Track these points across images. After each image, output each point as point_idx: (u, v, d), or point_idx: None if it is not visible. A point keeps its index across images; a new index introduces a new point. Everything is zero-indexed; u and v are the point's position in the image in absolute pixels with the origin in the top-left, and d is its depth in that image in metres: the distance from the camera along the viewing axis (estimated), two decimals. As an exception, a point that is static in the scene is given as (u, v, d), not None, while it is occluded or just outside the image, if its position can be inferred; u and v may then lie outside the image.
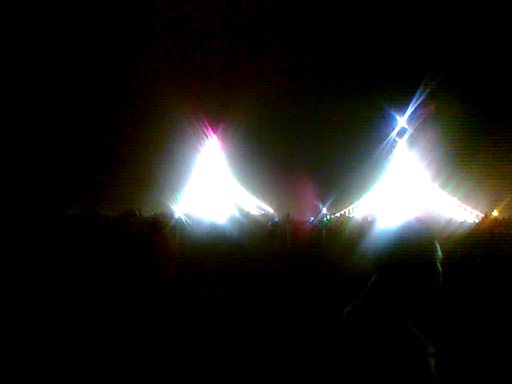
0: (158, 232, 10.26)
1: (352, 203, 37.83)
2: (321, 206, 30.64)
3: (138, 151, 25.26)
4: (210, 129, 34.04)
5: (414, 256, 1.72)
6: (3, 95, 19.51)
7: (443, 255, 1.76)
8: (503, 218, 23.72)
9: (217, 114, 32.64)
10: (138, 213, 22.52)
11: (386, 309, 1.66)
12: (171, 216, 23.78)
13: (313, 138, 30.66)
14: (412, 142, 36.04)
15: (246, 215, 32.74)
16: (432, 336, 1.63)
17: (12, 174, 19.39)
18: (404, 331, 1.62)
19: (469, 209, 36.41)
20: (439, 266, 1.73)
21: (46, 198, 20.47)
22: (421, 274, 1.70)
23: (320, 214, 30.30)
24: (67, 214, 19.90)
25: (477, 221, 33.92)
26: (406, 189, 37.90)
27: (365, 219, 31.68)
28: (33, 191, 19.98)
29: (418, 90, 28.09)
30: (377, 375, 1.53)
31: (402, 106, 32.21)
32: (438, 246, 1.75)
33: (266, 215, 31.97)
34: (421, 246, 1.74)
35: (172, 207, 28.72)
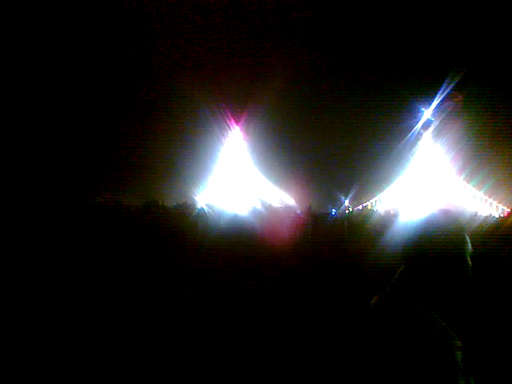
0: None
1: (375, 196, 37.54)
2: (343, 198, 30.48)
3: (161, 142, 25.49)
4: (232, 120, 34.11)
5: (443, 248, 1.71)
6: (35, 89, 19.95)
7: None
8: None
9: (240, 105, 32.69)
10: (161, 203, 22.74)
11: (413, 301, 1.66)
12: (194, 206, 23.97)
13: (337, 130, 30.49)
14: (437, 134, 35.49)
15: (268, 207, 32.78)
16: (459, 329, 1.63)
17: (40, 165, 19.79)
18: (431, 323, 1.62)
19: (494, 203, 35.83)
20: (469, 259, 1.72)
21: (72, 188, 20.84)
22: (450, 267, 1.70)
23: (342, 207, 30.16)
24: (92, 204, 20.24)
25: (502, 215, 33.34)
26: (431, 182, 37.42)
27: (387, 212, 31.44)
28: (60, 181, 20.36)
29: (445, 82, 27.62)
30: (403, 367, 1.53)
31: (427, 97, 31.72)
32: (468, 239, 1.74)
33: (287, 207, 31.97)
34: (450, 238, 1.74)
35: (195, 198, 28.93)
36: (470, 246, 1.73)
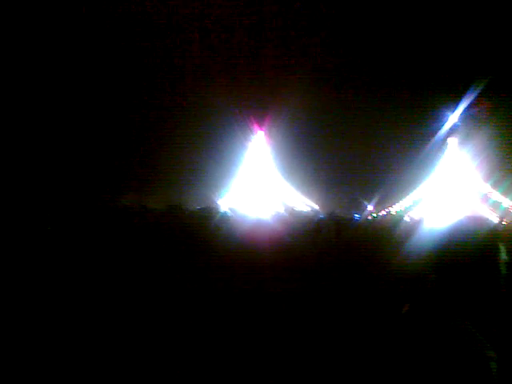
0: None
1: (399, 201, 37.06)
2: (366, 203, 30.19)
3: (185, 147, 25.72)
4: (256, 124, 34.20)
5: (474, 257, 1.68)
6: (59, 96, 20.35)
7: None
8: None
9: (263, 109, 32.75)
10: (184, 207, 22.89)
11: (446, 309, 1.64)
12: (217, 210, 24.05)
13: (361, 135, 30.28)
14: (464, 139, 34.92)
15: (291, 211, 32.69)
16: (494, 339, 1.59)
17: (66, 168, 20.16)
18: (465, 333, 1.59)
19: (523, 210, 35.00)
20: (504, 268, 1.68)
21: (97, 192, 21.15)
22: (482, 275, 1.67)
23: (365, 212, 29.87)
24: (117, 207, 20.50)
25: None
26: (456, 188, 36.80)
27: (412, 218, 31.02)
28: (85, 185, 20.69)
29: (472, 88, 27.21)
30: (437, 377, 1.51)
31: (453, 102, 31.28)
32: (502, 248, 1.71)
33: (311, 212, 31.82)
34: (481, 246, 1.70)
35: (218, 202, 29.06)
36: (504, 256, 1.70)
